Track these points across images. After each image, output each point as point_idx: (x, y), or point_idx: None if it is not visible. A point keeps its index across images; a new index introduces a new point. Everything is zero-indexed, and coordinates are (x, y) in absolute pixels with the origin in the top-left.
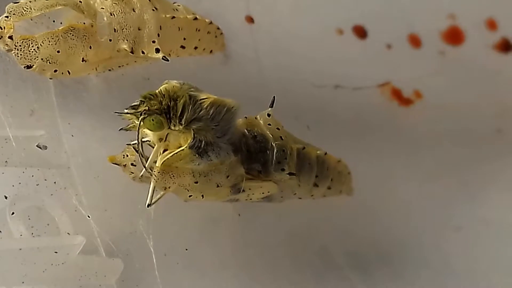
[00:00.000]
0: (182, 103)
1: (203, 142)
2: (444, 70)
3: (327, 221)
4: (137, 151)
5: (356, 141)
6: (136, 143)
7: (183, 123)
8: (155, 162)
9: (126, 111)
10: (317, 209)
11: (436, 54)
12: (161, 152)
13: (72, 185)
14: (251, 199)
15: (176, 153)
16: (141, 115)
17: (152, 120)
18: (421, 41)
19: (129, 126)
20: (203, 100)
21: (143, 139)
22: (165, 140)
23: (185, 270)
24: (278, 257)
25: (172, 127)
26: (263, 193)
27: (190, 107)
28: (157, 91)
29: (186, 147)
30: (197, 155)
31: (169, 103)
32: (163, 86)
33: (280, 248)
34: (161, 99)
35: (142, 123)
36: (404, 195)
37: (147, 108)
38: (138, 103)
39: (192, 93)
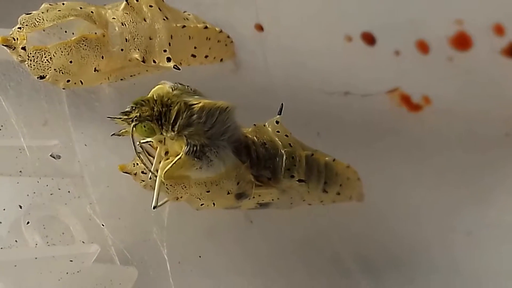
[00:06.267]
0: (176, 109)
1: (198, 145)
2: (453, 76)
3: (339, 227)
4: (139, 156)
5: (366, 147)
6: (142, 152)
7: (175, 129)
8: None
9: (118, 117)
10: (328, 215)
11: (444, 60)
12: (163, 155)
13: (85, 194)
14: (259, 205)
15: (174, 162)
16: (132, 121)
17: (144, 126)
18: (429, 47)
19: (121, 131)
20: (194, 105)
21: (145, 141)
22: (164, 143)
23: (199, 278)
24: (291, 263)
25: (164, 133)
26: (272, 199)
27: (184, 114)
28: (149, 96)
29: (182, 154)
30: (196, 159)
31: (161, 109)
32: (155, 90)
33: (293, 254)
34: (153, 105)
35: (134, 129)
36: (414, 200)
37: (138, 114)
38: (130, 109)
39: (185, 99)
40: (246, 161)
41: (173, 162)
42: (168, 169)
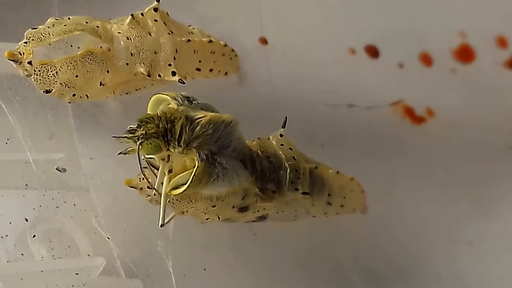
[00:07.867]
0: (179, 125)
1: (208, 154)
2: (456, 88)
3: (342, 239)
4: (144, 175)
5: (370, 159)
6: (148, 167)
7: (181, 144)
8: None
9: (124, 135)
10: (332, 227)
11: (448, 72)
12: (166, 173)
13: (91, 207)
14: (257, 218)
15: (194, 173)
16: (138, 139)
17: (150, 143)
18: (432, 59)
19: (127, 150)
20: (200, 119)
21: (149, 157)
22: (168, 161)
23: None
24: (295, 275)
25: (172, 149)
26: (277, 212)
27: (187, 128)
28: (153, 114)
29: (198, 163)
30: (211, 165)
31: (166, 126)
32: (152, 101)
33: (297, 266)
34: (158, 122)
35: (140, 147)
36: (417, 211)
37: (144, 132)
38: (135, 126)
39: (188, 114)
40: (252, 174)
41: (193, 173)
42: (191, 183)
